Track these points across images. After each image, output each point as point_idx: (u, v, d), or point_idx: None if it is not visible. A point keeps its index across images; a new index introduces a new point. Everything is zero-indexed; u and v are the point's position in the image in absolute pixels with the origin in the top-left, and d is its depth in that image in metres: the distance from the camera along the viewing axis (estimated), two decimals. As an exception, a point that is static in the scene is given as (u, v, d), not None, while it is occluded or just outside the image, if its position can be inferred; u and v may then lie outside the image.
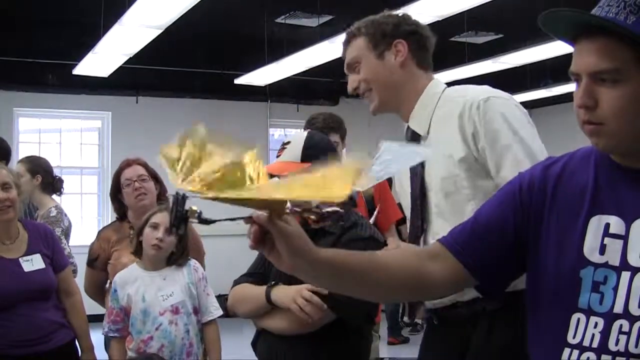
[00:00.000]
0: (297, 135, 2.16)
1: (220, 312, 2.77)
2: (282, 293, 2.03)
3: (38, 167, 3.89)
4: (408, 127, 1.87)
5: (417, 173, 1.80)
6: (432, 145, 1.77)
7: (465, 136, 1.69)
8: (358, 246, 2.03)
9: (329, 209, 1.23)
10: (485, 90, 1.74)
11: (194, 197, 1.03)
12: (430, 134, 1.79)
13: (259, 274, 2.18)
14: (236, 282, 2.22)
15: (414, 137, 1.83)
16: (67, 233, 3.87)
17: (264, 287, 2.07)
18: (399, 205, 4.45)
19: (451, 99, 1.78)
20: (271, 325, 2.08)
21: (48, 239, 2.88)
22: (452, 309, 1.73)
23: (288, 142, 2.10)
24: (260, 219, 1.08)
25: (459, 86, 1.85)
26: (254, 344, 2.20)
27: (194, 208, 1.06)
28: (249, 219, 1.09)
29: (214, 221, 1.08)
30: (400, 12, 1.97)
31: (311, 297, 1.96)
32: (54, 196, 4.00)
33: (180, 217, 1.05)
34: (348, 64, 1.91)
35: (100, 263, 3.09)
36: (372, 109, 1.90)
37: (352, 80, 1.90)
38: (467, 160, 1.69)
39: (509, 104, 1.71)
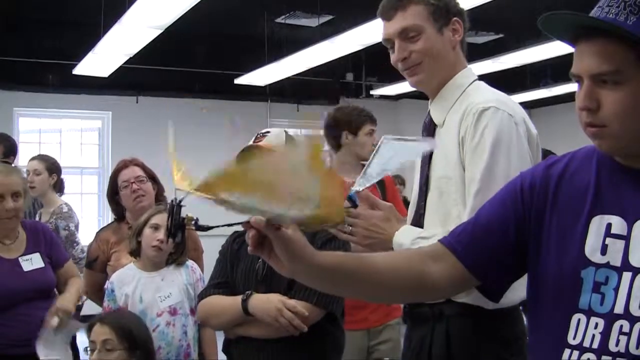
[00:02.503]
0: (275, 129, 2.13)
1: None
2: (261, 307, 2.02)
3: (53, 166, 3.98)
4: (429, 111, 1.81)
5: (426, 162, 1.77)
6: (440, 139, 1.73)
7: (459, 139, 1.65)
8: (334, 246, 2.02)
9: None
10: (495, 98, 1.66)
11: (194, 197, 1.02)
12: (444, 127, 1.74)
13: (225, 282, 2.19)
14: (203, 295, 2.22)
15: (431, 124, 1.78)
16: (78, 228, 3.94)
17: (238, 299, 2.07)
18: (404, 199, 4.43)
19: (466, 100, 1.71)
20: (255, 333, 2.08)
21: (47, 237, 2.88)
22: (417, 308, 1.74)
23: (267, 132, 2.07)
24: (258, 224, 1.07)
25: (483, 86, 1.76)
26: (226, 351, 2.20)
27: (190, 215, 1.05)
28: (247, 224, 1.08)
29: (211, 227, 1.07)
30: None
31: (294, 308, 1.97)
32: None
33: (177, 225, 1.05)
34: (403, 30, 1.73)
35: (99, 264, 3.07)
36: (413, 82, 1.78)
37: (403, 49, 1.73)
38: (458, 165, 1.65)
39: (508, 121, 1.61)
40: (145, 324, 2.47)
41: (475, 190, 1.59)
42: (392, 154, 1.57)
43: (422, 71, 1.75)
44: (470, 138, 1.62)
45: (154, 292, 2.64)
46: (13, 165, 4.03)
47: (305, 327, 1.98)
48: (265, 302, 2.02)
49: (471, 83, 1.76)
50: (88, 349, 2.30)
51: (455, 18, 1.74)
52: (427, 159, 1.76)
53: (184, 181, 1.03)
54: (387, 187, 3.24)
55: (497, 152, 1.58)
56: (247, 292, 2.07)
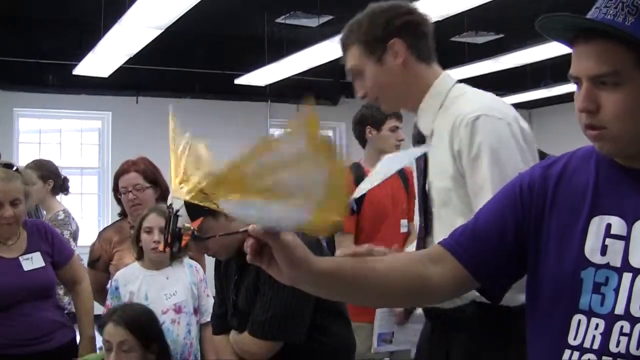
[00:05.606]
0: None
1: None
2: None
3: (49, 172, 3.95)
4: (415, 123, 1.82)
5: (421, 172, 1.78)
6: (432, 151, 1.73)
7: (453, 153, 1.65)
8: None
9: None
10: (481, 105, 1.66)
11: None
12: (433, 137, 1.74)
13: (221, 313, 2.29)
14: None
15: (420, 135, 1.79)
16: (74, 237, 3.89)
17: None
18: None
19: (451, 106, 1.70)
20: None
21: (47, 235, 2.86)
22: (436, 309, 1.72)
23: None
24: (257, 232, 1.07)
25: (467, 90, 1.76)
26: None
27: (187, 225, 1.05)
28: (245, 233, 1.08)
29: (208, 237, 1.07)
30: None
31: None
32: (62, 198, 4.03)
33: (175, 235, 1.05)
34: (349, 71, 1.83)
35: (101, 264, 3.08)
36: (383, 110, 1.86)
37: (359, 88, 1.82)
38: (456, 177, 1.66)
39: (500, 125, 1.62)
40: (154, 314, 2.46)
41: (485, 200, 1.57)
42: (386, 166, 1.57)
43: (383, 102, 1.82)
44: (467, 151, 1.62)
45: (159, 289, 2.65)
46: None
47: None
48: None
49: (451, 87, 1.76)
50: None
51: (393, 40, 1.73)
52: (422, 170, 1.77)
53: (183, 187, 1.03)
54: (409, 178, 3.31)
55: (498, 157, 1.59)
56: None
